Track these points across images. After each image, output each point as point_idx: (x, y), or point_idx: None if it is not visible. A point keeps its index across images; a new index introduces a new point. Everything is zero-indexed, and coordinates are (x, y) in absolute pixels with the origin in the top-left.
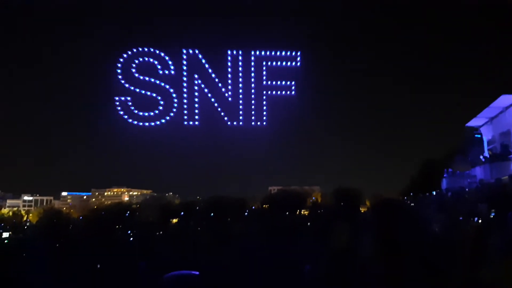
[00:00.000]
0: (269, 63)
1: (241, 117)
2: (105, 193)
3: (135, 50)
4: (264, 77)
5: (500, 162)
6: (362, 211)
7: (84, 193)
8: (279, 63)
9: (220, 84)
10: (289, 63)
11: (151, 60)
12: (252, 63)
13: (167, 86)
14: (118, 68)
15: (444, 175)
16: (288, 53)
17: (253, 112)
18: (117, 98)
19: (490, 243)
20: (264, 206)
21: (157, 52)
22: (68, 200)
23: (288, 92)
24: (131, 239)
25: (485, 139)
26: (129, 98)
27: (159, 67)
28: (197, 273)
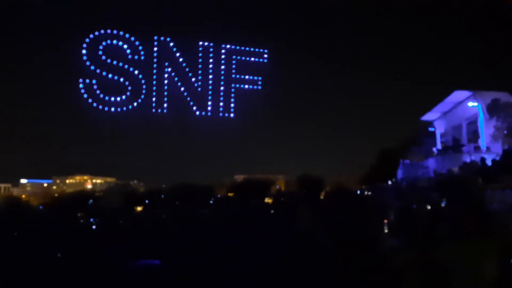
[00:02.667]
0: (238, 58)
1: (209, 107)
2: (67, 181)
3: (103, 31)
4: (233, 71)
5: (452, 154)
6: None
7: (44, 180)
8: (248, 58)
9: (190, 74)
10: (257, 59)
11: (121, 43)
12: (222, 56)
13: (136, 72)
14: (84, 48)
15: (400, 165)
16: (257, 50)
17: (221, 104)
18: (81, 81)
19: (440, 228)
20: (229, 193)
21: (127, 36)
22: (28, 188)
23: (255, 86)
24: (94, 227)
25: (438, 132)
26: (94, 81)
27: (128, 51)
28: (158, 262)
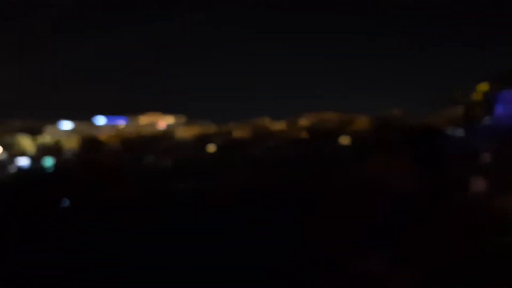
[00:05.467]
0: None
1: None
2: (139, 120)
3: None
4: None
5: None
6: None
7: (119, 117)
8: None
9: None
10: None
11: None
12: None
13: None
14: None
15: (499, 98)
16: None
17: None
18: None
19: None
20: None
21: None
22: (104, 127)
23: None
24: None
25: None
26: None
27: None
28: None
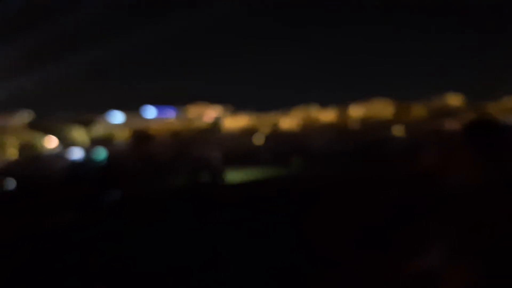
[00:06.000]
0: None
1: None
2: (188, 111)
3: None
4: None
5: None
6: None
7: (168, 108)
8: None
9: None
10: None
11: None
12: None
13: None
14: None
15: None
16: None
17: None
18: None
19: None
20: None
21: None
22: (154, 118)
23: None
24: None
25: None
26: None
27: None
28: None
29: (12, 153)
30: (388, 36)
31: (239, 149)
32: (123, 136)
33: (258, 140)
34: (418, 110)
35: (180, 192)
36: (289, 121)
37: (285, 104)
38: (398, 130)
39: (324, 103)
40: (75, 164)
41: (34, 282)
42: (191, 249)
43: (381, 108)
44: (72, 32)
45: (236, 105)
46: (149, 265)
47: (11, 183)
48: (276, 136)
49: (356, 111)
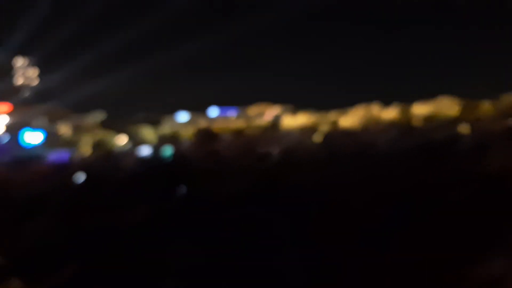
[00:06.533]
0: None
1: None
2: (249, 110)
3: None
4: None
5: None
6: None
7: (230, 108)
8: None
9: None
10: None
11: None
12: None
13: None
14: None
15: None
16: None
17: None
18: None
19: None
20: None
21: None
22: (217, 118)
23: None
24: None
25: None
26: None
27: None
28: None
29: (86, 150)
30: (454, 34)
31: (297, 148)
32: (188, 135)
33: (317, 138)
34: (486, 109)
35: (245, 189)
36: (349, 120)
37: (346, 103)
38: (464, 129)
39: (386, 102)
40: (144, 161)
41: (106, 274)
42: (257, 244)
43: (447, 106)
44: (142, 37)
45: (296, 105)
46: (217, 259)
47: (84, 178)
48: (336, 135)
49: (420, 109)
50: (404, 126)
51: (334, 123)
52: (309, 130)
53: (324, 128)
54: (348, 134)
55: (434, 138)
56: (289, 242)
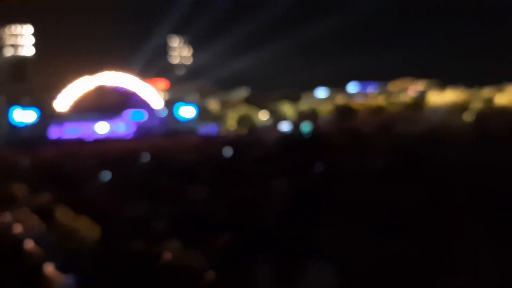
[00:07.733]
0: None
1: None
2: (390, 86)
3: None
4: None
5: None
6: None
7: (370, 83)
8: None
9: None
10: None
11: None
12: None
13: None
14: None
15: None
16: None
17: None
18: None
19: None
20: None
21: None
22: (356, 94)
23: None
24: None
25: None
26: None
27: None
28: None
29: (232, 124)
30: None
31: (444, 126)
32: (327, 111)
33: (468, 117)
34: None
35: (383, 166)
36: (507, 97)
37: (502, 79)
38: None
39: None
40: (284, 136)
41: (255, 248)
42: (393, 224)
43: None
44: (284, 15)
45: (444, 80)
46: (362, 237)
47: (230, 152)
48: (490, 114)
49: None
50: None
51: (488, 101)
52: (458, 108)
53: (476, 106)
54: (504, 113)
55: None
56: (423, 224)
